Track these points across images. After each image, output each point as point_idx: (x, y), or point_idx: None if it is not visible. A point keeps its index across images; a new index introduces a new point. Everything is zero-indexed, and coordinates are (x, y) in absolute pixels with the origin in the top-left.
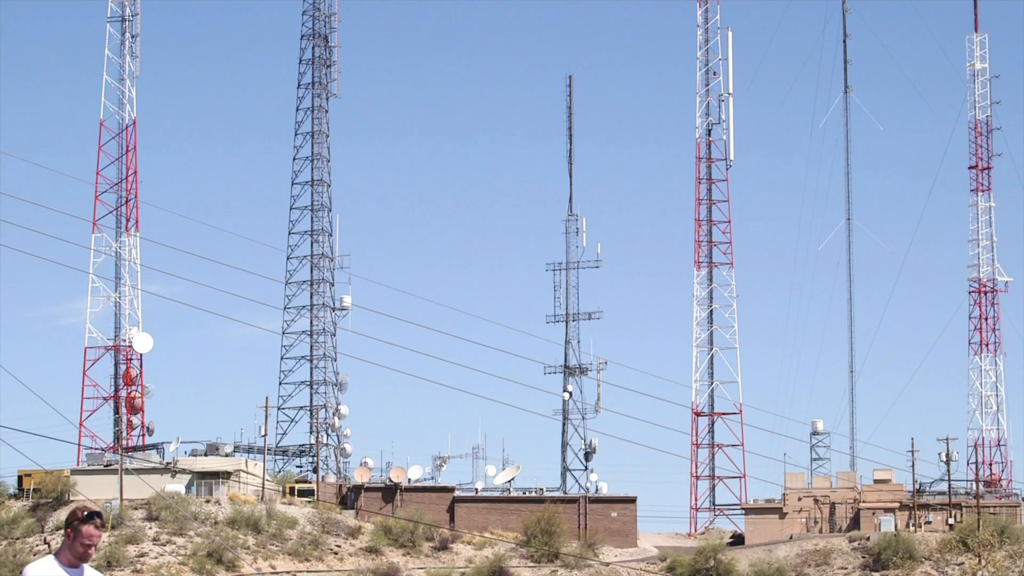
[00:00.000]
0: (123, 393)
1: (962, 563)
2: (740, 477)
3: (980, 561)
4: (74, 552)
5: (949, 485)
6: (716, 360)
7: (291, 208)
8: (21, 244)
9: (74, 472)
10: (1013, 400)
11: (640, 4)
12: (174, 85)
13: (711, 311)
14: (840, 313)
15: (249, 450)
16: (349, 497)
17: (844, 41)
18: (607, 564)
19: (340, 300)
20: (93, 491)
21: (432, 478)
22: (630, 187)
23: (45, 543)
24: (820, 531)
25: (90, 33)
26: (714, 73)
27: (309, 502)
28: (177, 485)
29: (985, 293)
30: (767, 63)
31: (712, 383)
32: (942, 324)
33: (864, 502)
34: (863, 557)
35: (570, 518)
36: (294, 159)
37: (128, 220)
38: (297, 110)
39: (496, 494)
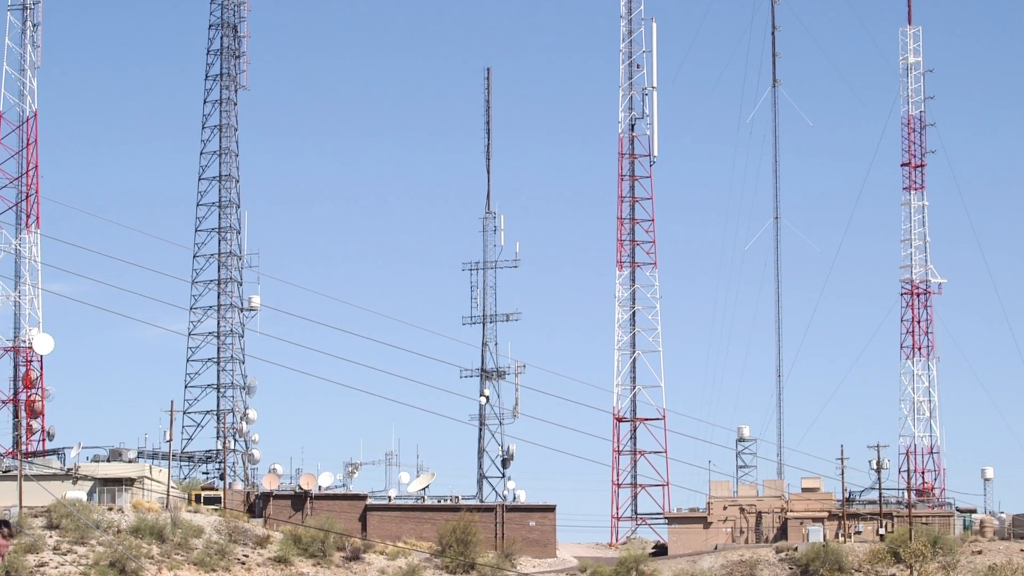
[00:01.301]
0: (23, 396)
1: (893, 575)
2: (663, 485)
3: (912, 573)
4: None
5: (880, 494)
6: (639, 363)
7: (198, 205)
8: None
9: None
10: (946, 406)
11: None
12: (77, 76)
13: (633, 312)
14: (768, 315)
15: (153, 456)
16: (257, 505)
17: (772, 33)
18: (525, 575)
19: (248, 300)
20: None
21: (343, 485)
22: (550, 184)
23: None
24: (746, 541)
25: None
26: (638, 66)
27: (216, 510)
28: (79, 492)
29: (918, 295)
30: (693, 55)
31: (634, 387)
32: (873, 327)
33: (792, 511)
34: (790, 568)
35: (487, 527)
36: (201, 153)
37: (28, 216)
38: (204, 103)
39: (410, 502)
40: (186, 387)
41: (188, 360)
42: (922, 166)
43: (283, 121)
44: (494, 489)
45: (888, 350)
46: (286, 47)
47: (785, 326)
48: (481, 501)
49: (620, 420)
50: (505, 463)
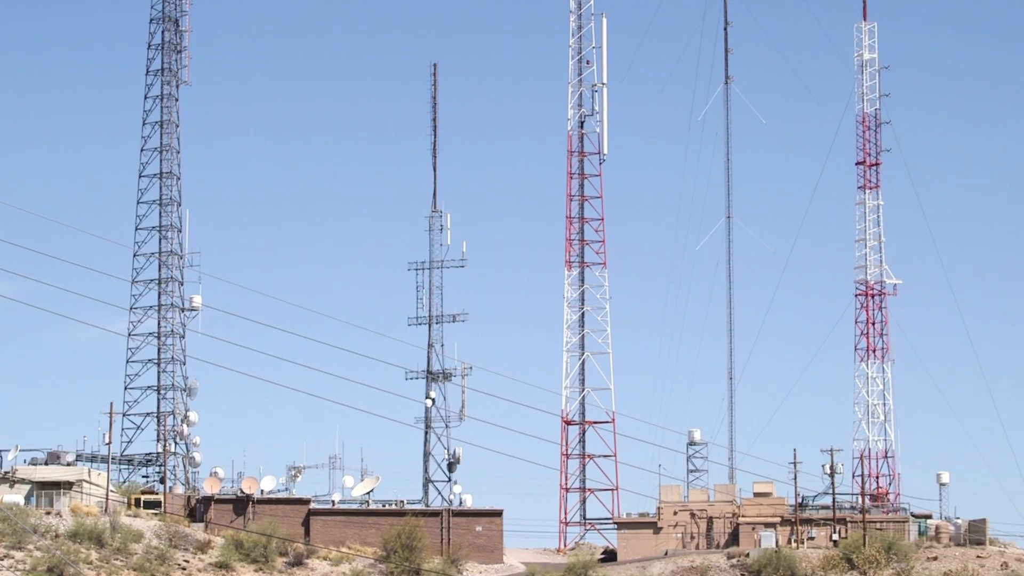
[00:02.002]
0: None
1: None
2: (612, 489)
3: None
4: None
5: (833, 499)
6: (588, 365)
7: (138, 202)
8: None
9: None
10: (901, 409)
11: None
12: (13, 71)
13: (583, 313)
14: (719, 316)
15: (92, 459)
16: (198, 509)
17: (725, 29)
18: None
19: (190, 300)
20: None
21: (286, 489)
22: (498, 182)
23: None
24: (697, 547)
25: None
26: (587, 62)
27: (156, 514)
28: (15, 496)
29: (872, 296)
30: (644, 51)
31: (583, 390)
32: (827, 328)
33: (743, 516)
34: (742, 574)
35: (432, 532)
36: (142, 150)
37: None
38: (146, 98)
39: (354, 507)
40: (126, 389)
41: (128, 361)
42: (877, 164)
43: (226, 118)
44: (440, 493)
45: (842, 352)
46: (229, 42)
47: (737, 327)
48: (427, 506)
49: (569, 423)
50: (451, 467)
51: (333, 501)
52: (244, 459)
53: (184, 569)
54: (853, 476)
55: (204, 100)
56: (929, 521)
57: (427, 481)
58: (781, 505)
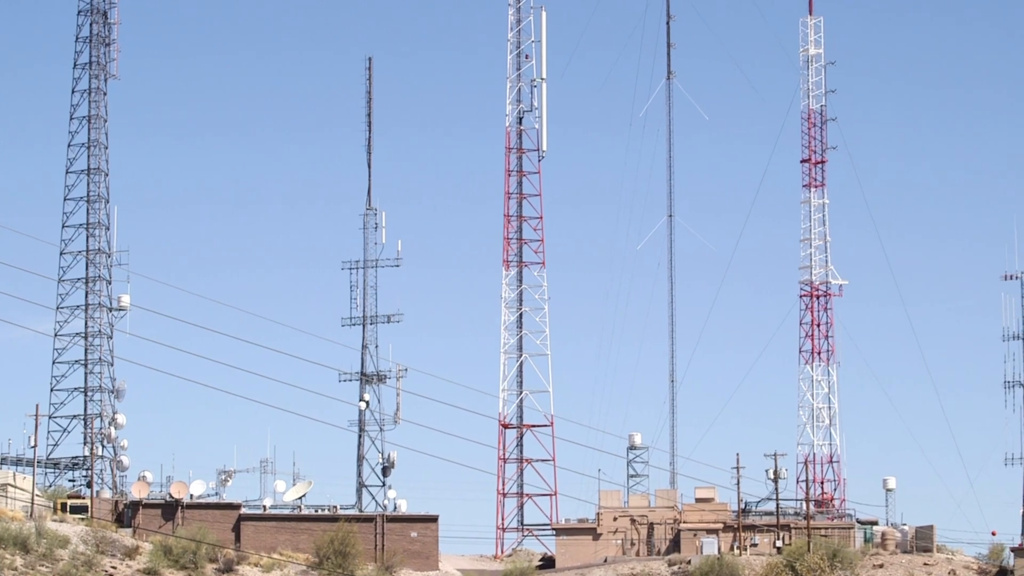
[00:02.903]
0: None
1: None
2: (551, 495)
3: None
4: None
5: (777, 505)
6: (526, 367)
7: (65, 199)
8: None
9: None
10: (847, 413)
11: None
12: None
13: (521, 314)
14: (661, 317)
15: (17, 462)
16: (126, 514)
17: (667, 23)
18: None
19: (118, 300)
20: None
21: (216, 494)
22: (435, 179)
23: None
24: (637, 553)
25: None
26: (526, 56)
27: (82, 519)
28: None
29: (818, 297)
30: (584, 46)
31: (521, 392)
32: (771, 330)
33: (685, 522)
34: None
35: (366, 538)
36: (69, 145)
37: None
38: (73, 92)
39: (286, 512)
40: (52, 390)
41: (54, 362)
42: (822, 162)
43: (156, 113)
44: (374, 498)
45: (787, 354)
46: (159, 36)
47: (679, 329)
48: (360, 511)
49: (506, 426)
50: (385, 471)
51: (264, 506)
52: (173, 463)
53: (111, 575)
54: (797, 481)
55: (133, 95)
56: (875, 527)
57: (361, 486)
58: (723, 511)
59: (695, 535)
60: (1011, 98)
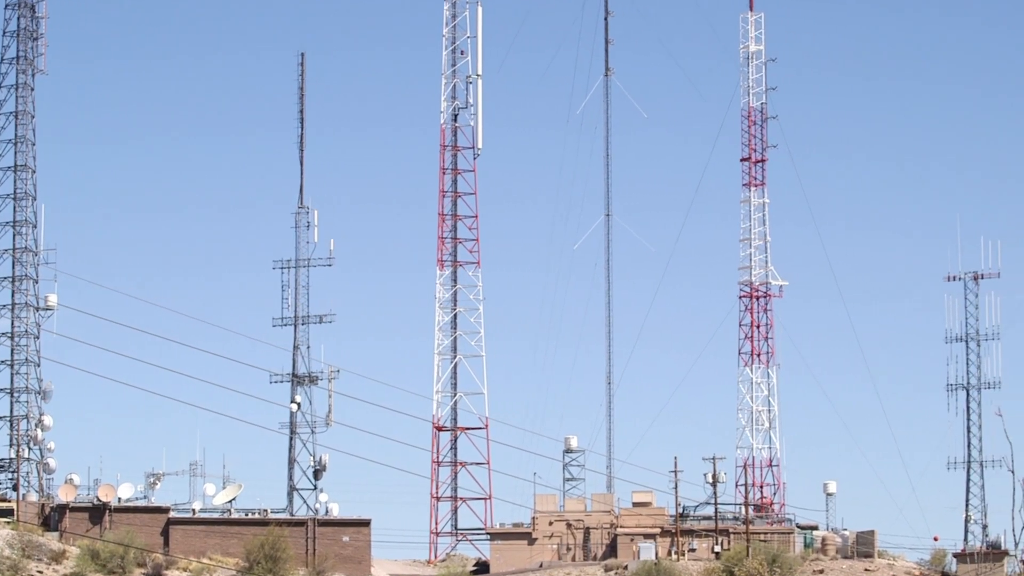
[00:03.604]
0: None
1: None
2: (485, 498)
3: None
4: None
5: (716, 509)
6: (460, 369)
7: None
8: None
9: None
10: (787, 416)
11: None
12: None
13: (455, 315)
14: (598, 318)
15: None
16: (52, 518)
17: (606, 19)
18: None
19: (44, 299)
20: None
21: (145, 497)
22: (368, 177)
23: None
24: (573, 558)
25: None
26: (461, 52)
27: (8, 523)
28: None
29: (757, 298)
30: (521, 41)
31: (455, 394)
32: (710, 331)
33: (622, 527)
34: None
35: (297, 542)
36: None
37: None
38: None
39: (215, 515)
40: None
41: None
42: (763, 161)
43: (86, 107)
44: (305, 502)
45: (726, 356)
46: (89, 28)
47: (616, 330)
48: (291, 515)
49: (440, 429)
50: (317, 474)
51: (194, 510)
52: (101, 465)
53: None
54: (736, 485)
55: (62, 91)
56: (815, 532)
57: (292, 489)
58: (661, 515)
59: (632, 540)
60: (954, 95)
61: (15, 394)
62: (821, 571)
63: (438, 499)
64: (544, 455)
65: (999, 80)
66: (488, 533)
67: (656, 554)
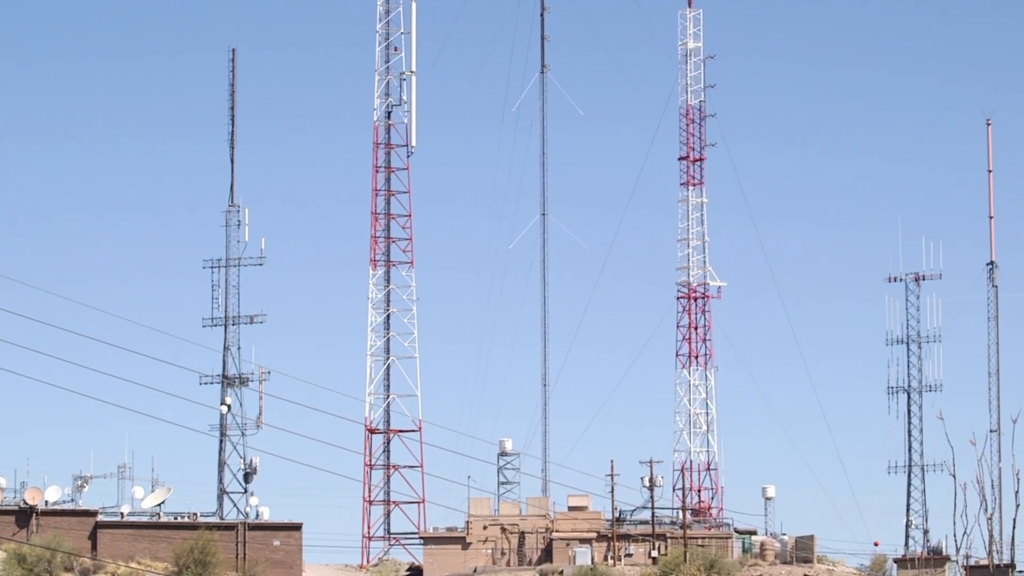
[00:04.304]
0: None
1: None
2: (419, 502)
3: None
4: None
5: (652, 513)
6: (393, 371)
7: None
8: None
9: None
10: (725, 419)
11: None
12: None
13: (388, 315)
14: (533, 319)
15: None
16: None
17: (542, 15)
18: None
19: None
20: None
21: (72, 500)
22: (300, 175)
23: None
24: (508, 563)
25: None
26: (395, 48)
27: None
28: None
29: (695, 299)
30: (455, 38)
31: (388, 396)
32: (647, 333)
33: (557, 531)
34: None
35: (227, 547)
36: None
37: None
38: None
39: (144, 519)
40: None
41: None
42: (701, 160)
43: (10, 108)
44: (235, 506)
45: (663, 357)
46: (12, 29)
47: (552, 331)
48: (221, 518)
49: (373, 432)
50: (248, 477)
51: (122, 513)
52: (28, 468)
53: None
54: (674, 489)
55: None
56: (753, 537)
57: (222, 492)
58: (597, 520)
59: (568, 544)
60: (896, 93)
61: None
62: None
63: (371, 503)
64: (478, 458)
65: (943, 79)
66: (421, 537)
67: (592, 559)
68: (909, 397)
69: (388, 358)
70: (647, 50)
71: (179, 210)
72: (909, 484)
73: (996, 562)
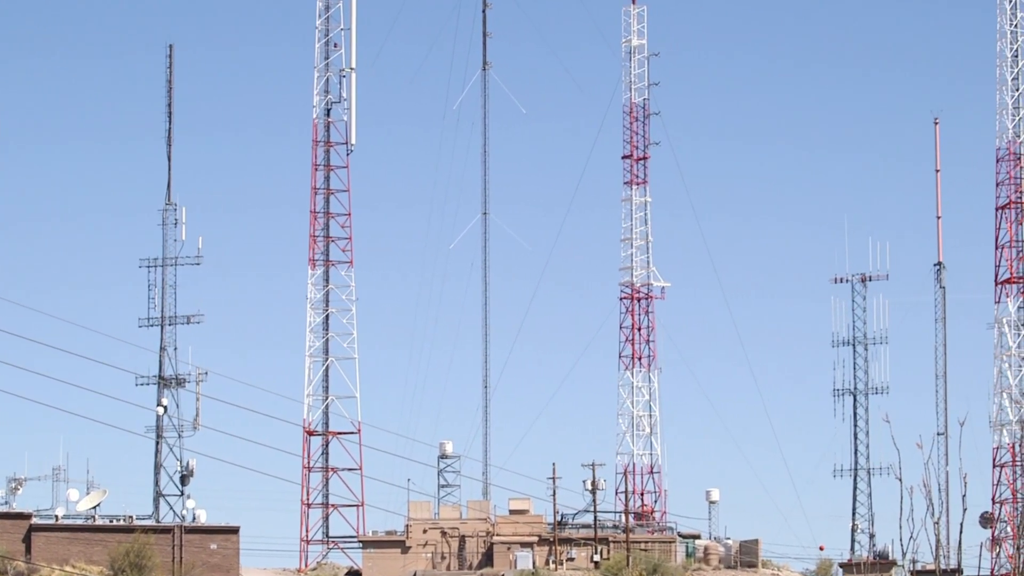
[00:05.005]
0: None
1: None
2: (358, 505)
3: None
4: None
5: (595, 517)
6: (332, 372)
7: None
8: None
9: None
10: (668, 421)
11: None
12: None
13: (327, 316)
14: (475, 320)
15: None
16: None
17: (484, 11)
18: None
19: None
20: None
21: (6, 503)
22: (238, 173)
23: None
24: (448, 567)
25: None
26: (335, 45)
27: None
28: None
29: (639, 300)
30: (396, 34)
31: (327, 398)
32: (590, 334)
33: (498, 535)
34: None
35: (163, 550)
36: None
37: None
38: None
39: (79, 522)
40: None
41: None
42: (645, 159)
43: None
44: (172, 509)
45: (606, 359)
46: None
47: (494, 332)
48: (158, 521)
49: (311, 433)
50: (184, 480)
51: (57, 516)
52: None
53: None
54: (616, 492)
55: None
56: (697, 541)
57: (158, 495)
58: (539, 523)
59: (509, 548)
60: (842, 92)
61: None
62: None
63: (309, 506)
64: (418, 461)
65: (890, 77)
66: (360, 541)
67: (533, 563)
68: (855, 399)
69: (327, 359)
70: (591, 47)
71: (115, 209)
72: (855, 487)
73: (943, 567)
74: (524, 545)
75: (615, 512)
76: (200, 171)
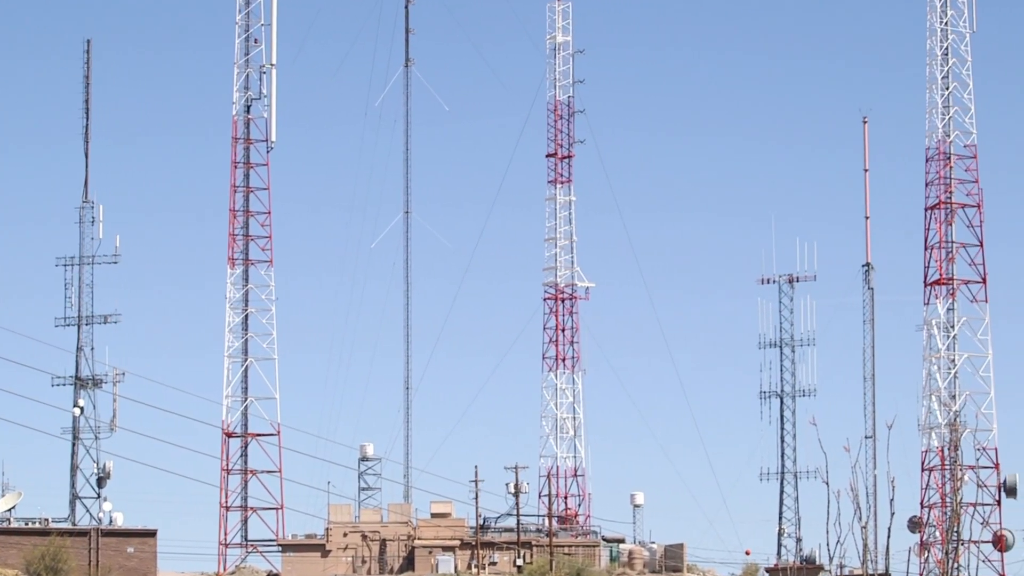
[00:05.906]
0: None
1: None
2: (277, 508)
3: None
4: None
5: (518, 521)
6: (251, 372)
7: None
8: None
9: None
10: (592, 424)
11: None
12: None
13: (246, 316)
14: (396, 320)
15: None
16: None
17: (406, 7)
18: None
19: None
20: None
21: None
22: (156, 171)
23: None
24: (368, 571)
25: None
26: (255, 40)
27: None
28: None
29: (563, 300)
30: (317, 30)
31: (246, 399)
32: (514, 334)
33: (420, 539)
34: None
35: (80, 553)
36: None
37: None
38: None
39: None
40: None
41: None
42: (569, 157)
43: None
44: (88, 511)
45: (529, 360)
46: None
47: (416, 332)
48: (74, 524)
49: (230, 435)
50: (101, 482)
51: None
52: None
53: None
54: (540, 496)
55: None
56: (622, 546)
57: (74, 497)
58: (461, 527)
59: (430, 552)
60: (770, 90)
61: None
62: None
63: (227, 508)
64: (338, 463)
65: (818, 76)
66: (279, 544)
67: (455, 567)
68: (782, 402)
69: (246, 359)
70: (515, 44)
71: (31, 206)
72: (782, 491)
73: (870, 571)
74: (446, 549)
75: (538, 516)
76: (118, 168)
